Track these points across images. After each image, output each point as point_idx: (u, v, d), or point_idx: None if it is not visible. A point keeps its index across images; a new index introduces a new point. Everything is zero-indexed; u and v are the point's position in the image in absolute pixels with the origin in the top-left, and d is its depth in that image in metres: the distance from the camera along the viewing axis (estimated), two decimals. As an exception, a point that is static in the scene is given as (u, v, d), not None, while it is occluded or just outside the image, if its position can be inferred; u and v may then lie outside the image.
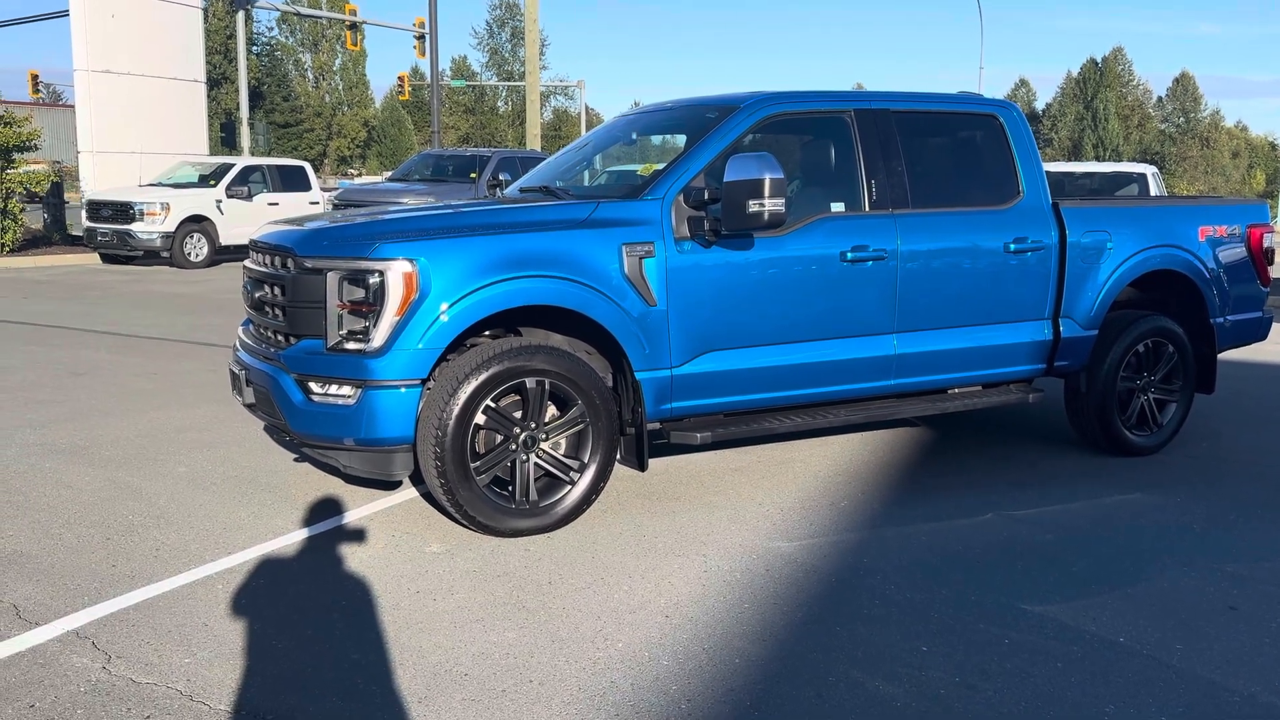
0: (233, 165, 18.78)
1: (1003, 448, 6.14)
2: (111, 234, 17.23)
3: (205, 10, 26.14)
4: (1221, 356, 6.41)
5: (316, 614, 3.65)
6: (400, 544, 4.36)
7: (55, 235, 20.39)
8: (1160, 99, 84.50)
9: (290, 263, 4.42)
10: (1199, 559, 4.33)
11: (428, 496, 4.93)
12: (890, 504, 4.99)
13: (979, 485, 5.33)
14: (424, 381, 4.26)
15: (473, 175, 16.93)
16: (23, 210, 18.60)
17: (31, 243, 19.51)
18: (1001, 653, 3.42)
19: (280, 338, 4.52)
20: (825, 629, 3.58)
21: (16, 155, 18.32)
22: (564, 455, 4.54)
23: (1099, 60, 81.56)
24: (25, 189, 18.30)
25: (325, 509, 4.79)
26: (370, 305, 4.19)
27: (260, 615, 3.63)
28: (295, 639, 3.44)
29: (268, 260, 4.65)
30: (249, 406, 4.77)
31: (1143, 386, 5.94)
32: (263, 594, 3.82)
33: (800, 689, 3.16)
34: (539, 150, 22.42)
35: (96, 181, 19.86)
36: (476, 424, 4.29)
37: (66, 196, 21.94)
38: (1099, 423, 5.82)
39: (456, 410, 4.20)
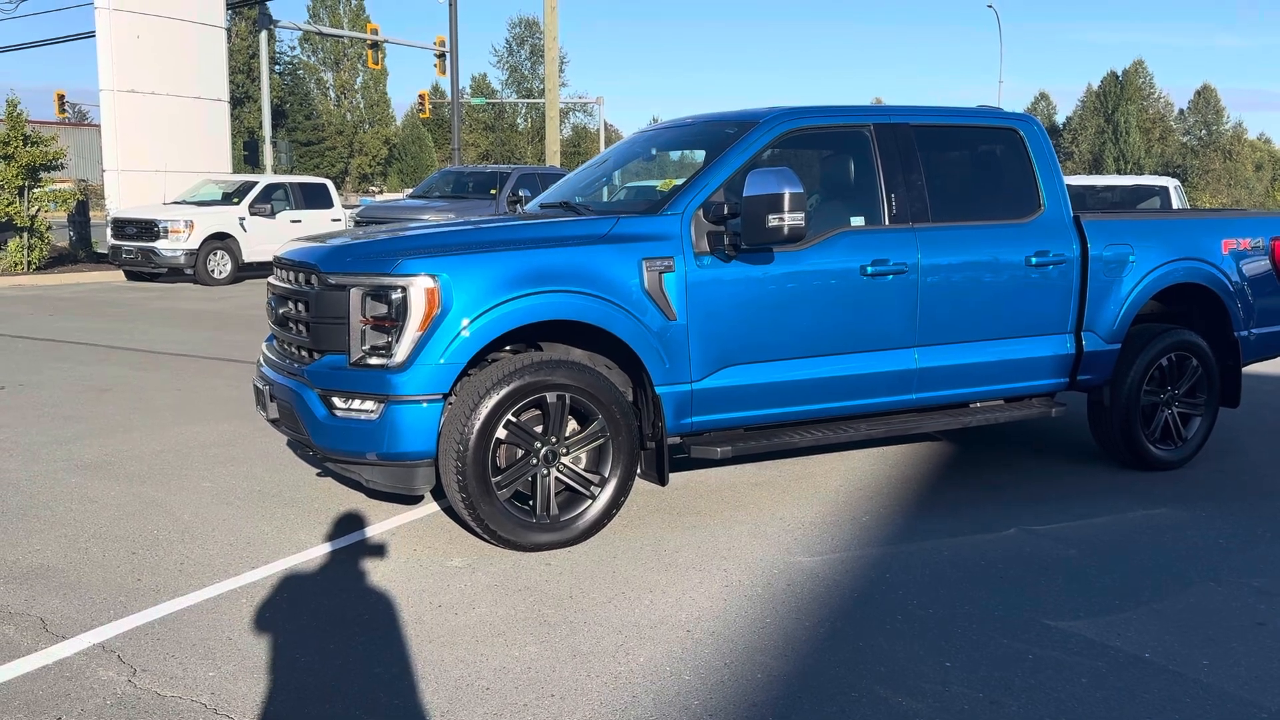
0: (256, 183, 18.96)
1: (1025, 462, 6.10)
2: (136, 251, 17.41)
3: (228, 30, 26.46)
4: (1246, 370, 6.35)
5: (339, 628, 3.67)
6: (422, 558, 4.38)
7: (81, 253, 20.62)
8: (1182, 112, 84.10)
9: (314, 279, 4.46)
10: (1225, 574, 4.29)
11: (449, 511, 4.95)
12: (912, 518, 4.97)
13: (1001, 500, 5.30)
14: (446, 396, 4.28)
15: (493, 192, 17.03)
16: (49, 229, 18.82)
17: (57, 260, 19.73)
18: (1025, 669, 3.40)
19: (304, 353, 4.56)
20: (848, 644, 3.57)
21: (43, 174, 18.56)
22: (584, 470, 4.55)
23: (1119, 73, 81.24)
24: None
25: (348, 523, 4.82)
26: (393, 321, 4.22)
27: (283, 629, 3.65)
28: (318, 652, 3.46)
29: (292, 277, 4.69)
30: (273, 422, 4.80)
31: (1166, 400, 5.90)
32: (286, 608, 3.84)
33: (823, 704, 3.15)
34: (558, 166, 22.53)
35: (121, 200, 20.09)
36: (498, 438, 4.31)
37: (91, 215, 22.18)
38: (1122, 437, 5.78)
39: (478, 425, 4.22)
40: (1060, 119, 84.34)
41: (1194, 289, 5.99)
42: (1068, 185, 5.77)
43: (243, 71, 60.54)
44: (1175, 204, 12.94)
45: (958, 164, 5.74)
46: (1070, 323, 5.57)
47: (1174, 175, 51.43)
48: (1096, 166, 74.79)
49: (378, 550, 4.47)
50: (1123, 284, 5.67)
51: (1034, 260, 5.38)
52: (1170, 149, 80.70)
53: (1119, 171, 70.41)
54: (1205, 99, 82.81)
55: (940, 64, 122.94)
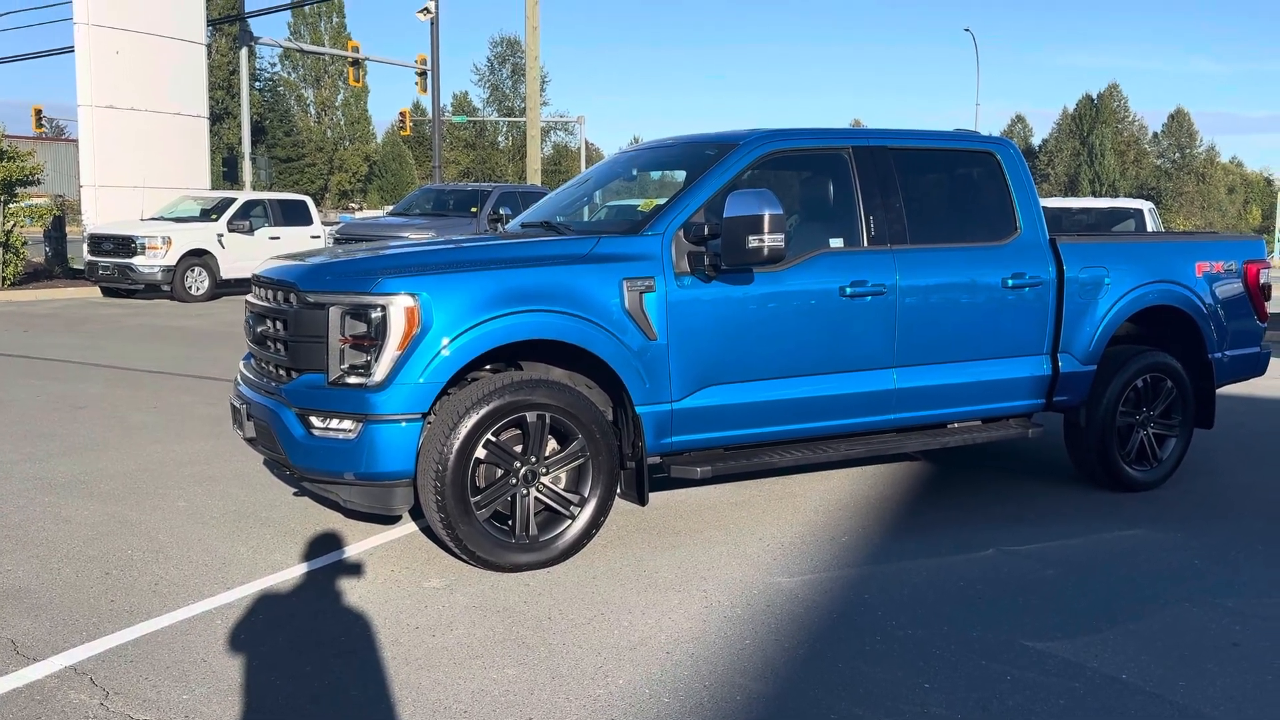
0: (234, 199, 18.89)
1: (1003, 483, 6.13)
2: (113, 267, 17.29)
3: (209, 46, 26.40)
4: (1220, 391, 6.42)
5: (315, 650, 3.63)
6: (399, 579, 4.35)
7: (56, 269, 20.45)
8: (1156, 135, 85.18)
9: (293, 297, 4.44)
10: (1200, 595, 4.32)
11: (427, 531, 4.92)
12: (891, 539, 4.98)
13: (979, 520, 5.32)
14: (425, 416, 4.26)
15: (474, 210, 17.03)
16: (24, 244, 18.67)
17: (33, 276, 19.57)
18: (1003, 690, 3.41)
19: (282, 372, 4.53)
20: (827, 665, 3.57)
21: (19, 189, 18.42)
22: (564, 489, 4.53)
23: (1095, 96, 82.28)
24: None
25: (324, 544, 4.78)
26: (372, 340, 4.21)
27: (258, 651, 3.61)
28: (293, 675, 3.43)
29: (270, 295, 4.67)
30: (249, 441, 4.77)
31: (1142, 421, 5.95)
32: (261, 630, 3.80)
33: (802, 726, 3.14)
34: (539, 185, 22.56)
35: (98, 215, 19.97)
36: (477, 458, 4.30)
37: (68, 230, 22.02)
38: (1098, 458, 5.82)
39: (457, 444, 4.21)
40: (1036, 141, 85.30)
41: (1168, 311, 6.05)
42: (1043, 207, 5.84)
43: (222, 87, 60.33)
44: (1150, 227, 13.09)
45: (935, 187, 5.79)
46: (1046, 344, 5.61)
47: (1148, 198, 51.99)
48: (1072, 188, 75.59)
49: (355, 571, 4.44)
50: (1098, 306, 5.72)
51: (1010, 282, 5.43)
52: (1144, 171, 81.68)
53: (1094, 193, 71.15)
54: (1178, 122, 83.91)
55: (919, 87, 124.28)
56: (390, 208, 23.46)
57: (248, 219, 18.31)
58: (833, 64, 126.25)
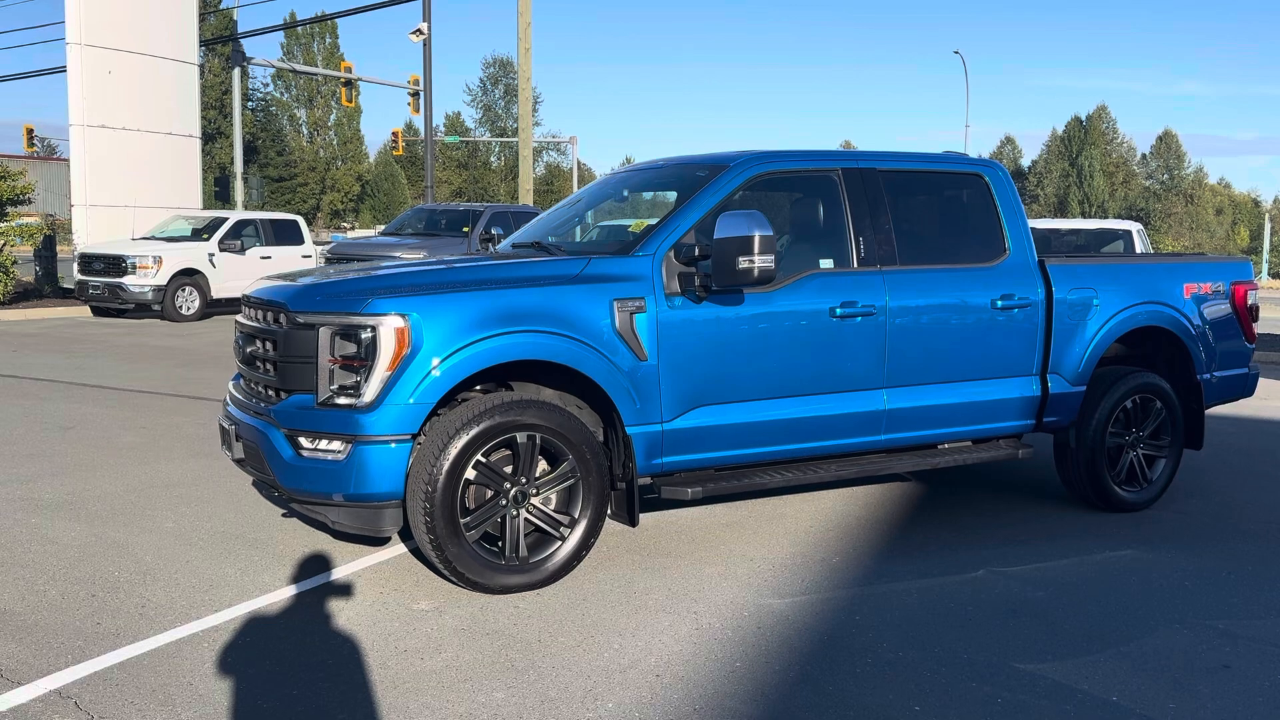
0: (226, 219, 18.86)
1: (993, 503, 6.13)
2: (103, 287, 17.24)
3: (201, 67, 26.44)
4: (1209, 412, 6.43)
5: (303, 673, 3.60)
6: (388, 601, 4.32)
7: (46, 288, 20.39)
8: (1144, 156, 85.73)
9: (283, 318, 4.43)
10: (1191, 616, 4.32)
11: (416, 552, 4.90)
12: (882, 560, 4.98)
13: (970, 541, 5.32)
14: (414, 436, 4.25)
15: (466, 230, 17.05)
16: (14, 263, 18.62)
17: (22, 295, 19.50)
18: (994, 712, 3.39)
19: (271, 393, 4.52)
20: (818, 688, 3.55)
21: (10, 208, 18.37)
22: (554, 510, 4.52)
23: (1083, 118, 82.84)
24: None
25: (313, 565, 4.75)
26: (362, 360, 4.20)
27: (246, 674, 3.58)
28: (281, 699, 3.40)
29: (260, 315, 4.66)
30: (238, 462, 4.75)
31: (1132, 442, 5.96)
32: (248, 652, 3.77)
33: (792, 750, 3.12)
34: (531, 205, 22.60)
35: (89, 235, 19.91)
36: (467, 479, 4.28)
37: (59, 249, 21.96)
38: (1089, 478, 5.83)
39: (447, 465, 4.19)
40: (1026, 162, 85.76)
41: (1157, 332, 6.08)
42: (1032, 228, 5.86)
43: (215, 107, 60.48)
44: (1138, 248, 13.16)
45: (924, 208, 5.81)
46: (1036, 365, 5.63)
47: (1137, 219, 52.31)
48: (1062, 209, 75.97)
49: (343, 593, 4.42)
50: (1087, 327, 5.74)
51: (1000, 303, 5.45)
52: (1133, 193, 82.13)
53: (1083, 214, 71.55)
54: (1167, 144, 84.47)
55: (909, 108, 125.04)
56: (382, 227, 23.47)
57: (239, 238, 18.29)
58: (824, 86, 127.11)
